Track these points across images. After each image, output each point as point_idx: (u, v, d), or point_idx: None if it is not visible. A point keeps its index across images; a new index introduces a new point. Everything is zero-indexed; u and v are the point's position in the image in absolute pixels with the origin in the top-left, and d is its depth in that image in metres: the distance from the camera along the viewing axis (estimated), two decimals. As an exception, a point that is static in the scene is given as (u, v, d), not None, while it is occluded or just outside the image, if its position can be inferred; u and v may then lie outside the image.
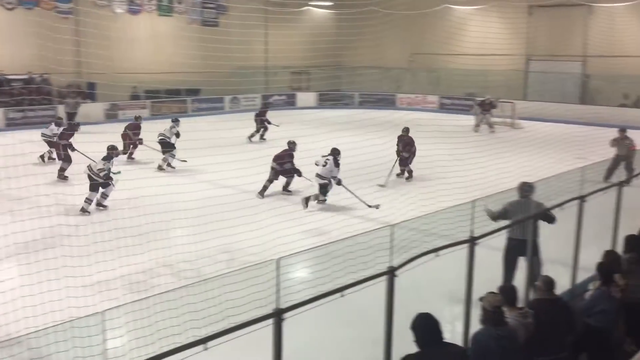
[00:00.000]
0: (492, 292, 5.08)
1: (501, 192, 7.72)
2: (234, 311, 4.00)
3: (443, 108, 30.31)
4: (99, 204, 12.12)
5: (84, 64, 24.80)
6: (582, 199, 7.33)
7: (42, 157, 16.49)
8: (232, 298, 4.16)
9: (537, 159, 13.57)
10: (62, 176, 14.55)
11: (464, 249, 5.80)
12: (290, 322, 4.01)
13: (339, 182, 12.34)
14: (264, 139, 20.66)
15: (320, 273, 4.80)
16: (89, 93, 25.79)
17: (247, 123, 20.09)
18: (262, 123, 20.90)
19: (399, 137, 15.10)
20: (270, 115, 21.43)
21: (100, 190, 12.08)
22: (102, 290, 7.27)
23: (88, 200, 11.84)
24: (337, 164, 12.38)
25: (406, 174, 14.95)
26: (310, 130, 19.59)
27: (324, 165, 12.36)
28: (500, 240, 7.31)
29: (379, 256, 5.23)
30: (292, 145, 13.61)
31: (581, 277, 7.53)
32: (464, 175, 11.62)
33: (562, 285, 7.22)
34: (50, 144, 16.43)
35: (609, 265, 6.42)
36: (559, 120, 22.43)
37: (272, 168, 13.22)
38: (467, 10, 30.54)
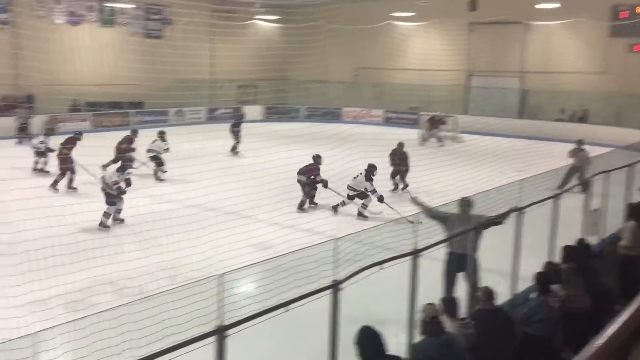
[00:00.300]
0: (429, 303, 5.16)
1: (444, 205, 7.85)
2: (176, 329, 3.91)
3: (388, 122, 30.75)
4: (115, 219, 11.86)
5: (21, 76, 23.99)
6: (520, 210, 7.55)
7: (35, 169, 16.42)
8: (174, 316, 4.06)
9: (478, 172, 13.87)
10: (71, 187, 14.65)
11: (407, 262, 5.87)
12: (235, 339, 3.95)
13: (380, 199, 12.69)
14: (238, 152, 20.72)
15: (265, 288, 4.76)
16: (27, 106, 24.98)
17: (194, 136, 19.79)
18: (237, 134, 20.95)
19: (393, 151, 15.34)
20: (217, 128, 21.23)
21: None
22: (36, 311, 6.99)
23: (106, 214, 11.60)
24: (368, 179, 12.78)
25: (401, 186, 15.13)
26: (259, 144, 19.57)
27: (355, 178, 12.87)
28: (443, 252, 7.42)
29: (324, 270, 5.23)
30: (318, 159, 13.95)
31: (521, 287, 7.72)
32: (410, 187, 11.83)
33: (503, 295, 7.40)
34: (39, 154, 16.41)
35: (546, 275, 6.61)
36: (499, 134, 23.08)
37: (299, 181, 13.55)
38: (409, 27, 31.18)
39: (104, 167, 14.86)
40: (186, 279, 7.81)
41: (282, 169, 13.15)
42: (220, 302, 3.79)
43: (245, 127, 21.84)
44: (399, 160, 15.07)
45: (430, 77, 28.73)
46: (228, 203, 11.92)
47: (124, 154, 15.56)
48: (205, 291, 4.17)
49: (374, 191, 12.68)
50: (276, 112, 32.34)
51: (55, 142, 15.85)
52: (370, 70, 32.43)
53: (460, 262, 7.29)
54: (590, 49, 27.12)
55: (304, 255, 5.51)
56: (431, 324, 4.88)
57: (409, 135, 23.31)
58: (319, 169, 13.75)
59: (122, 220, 11.99)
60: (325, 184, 13.56)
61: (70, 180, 14.69)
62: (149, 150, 16.21)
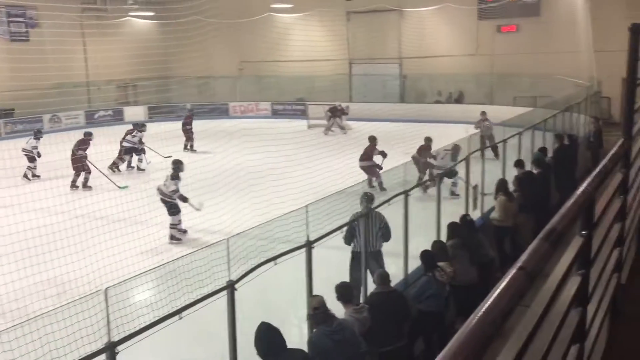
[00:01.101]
0: (313, 295, 5.25)
1: (332, 195, 7.95)
2: (62, 351, 3.71)
3: (275, 114, 30.77)
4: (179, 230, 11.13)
5: None
6: (406, 193, 7.82)
7: (25, 175, 15.84)
8: (59, 337, 3.85)
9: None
10: (86, 186, 15.13)
11: (302, 254, 5.92)
12: (130, 352, 3.80)
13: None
14: (195, 150, 20.27)
15: (158, 297, 4.62)
16: None
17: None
18: (190, 132, 20.75)
19: (421, 148, 14.49)
20: (98, 132, 20.26)
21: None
22: None
23: (173, 226, 10.90)
24: (453, 159, 12.33)
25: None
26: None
27: (442, 158, 12.70)
28: (336, 240, 7.52)
29: (219, 271, 5.16)
30: (374, 139, 14.25)
31: (412, 266, 8.01)
32: (299, 179, 11.89)
33: (397, 276, 7.66)
34: (30, 159, 16.08)
35: (430, 252, 6.90)
36: (383, 120, 23.78)
37: (361, 167, 13.47)
38: (289, 18, 31.31)
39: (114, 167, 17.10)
40: (77, 294, 7.44)
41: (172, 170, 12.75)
42: (107, 318, 3.61)
43: (125, 129, 21.01)
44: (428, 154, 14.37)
45: (314, 67, 29.04)
46: (119, 210, 11.48)
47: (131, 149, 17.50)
48: (94, 306, 3.99)
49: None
50: (160, 112, 31.37)
51: None
52: (255, 63, 32.27)
53: (368, 260, 7.36)
54: (461, 33, 28.52)
55: (197, 258, 5.41)
56: (315, 315, 4.96)
57: (298, 127, 23.56)
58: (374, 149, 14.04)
59: (185, 232, 11.25)
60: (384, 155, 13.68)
61: (86, 180, 15.32)
62: (23, 150, 16.30)
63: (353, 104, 27.86)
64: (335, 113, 24.98)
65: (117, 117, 30.27)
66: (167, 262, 5.26)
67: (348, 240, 7.42)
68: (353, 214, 7.49)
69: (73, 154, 15.49)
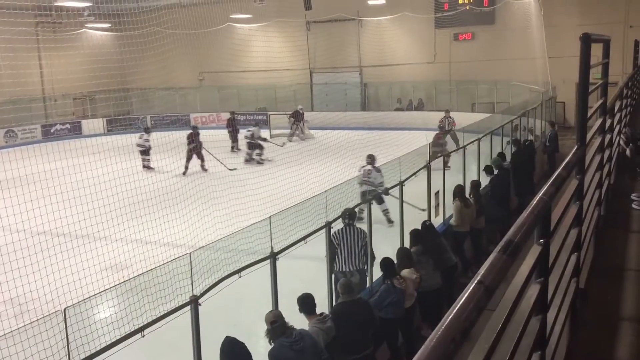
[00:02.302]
0: (269, 311, 5.23)
1: (297, 205, 7.92)
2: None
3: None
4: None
5: None
6: (369, 202, 7.86)
7: None
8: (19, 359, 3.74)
9: (329, 166, 14.29)
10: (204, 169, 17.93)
11: (267, 265, 5.88)
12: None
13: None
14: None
15: (119, 314, 4.53)
16: None
17: (28, 158, 18.31)
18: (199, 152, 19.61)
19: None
20: (54, 147, 19.79)
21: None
22: None
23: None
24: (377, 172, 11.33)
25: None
26: (98, 156, 18.48)
27: (368, 174, 11.47)
28: (301, 250, 7.48)
29: (183, 285, 5.08)
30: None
31: (378, 274, 8.02)
32: (263, 189, 11.85)
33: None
34: None
35: (388, 260, 6.92)
36: (344, 128, 23.92)
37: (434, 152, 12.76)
38: (249, 28, 31.28)
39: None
40: (38, 314, 7.23)
41: (136, 184, 12.53)
42: (66, 339, 3.52)
43: (83, 142, 20.66)
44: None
45: (275, 77, 29.07)
46: (80, 226, 11.21)
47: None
48: (52, 327, 3.88)
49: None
50: (119, 124, 30.89)
51: None
52: (216, 74, 32.12)
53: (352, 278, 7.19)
54: (419, 41, 28.93)
55: (160, 274, 5.31)
56: (274, 329, 4.93)
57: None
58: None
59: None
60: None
61: (202, 166, 18.28)
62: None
63: (315, 113, 27.96)
64: (298, 117, 25.09)
65: (74, 131, 29.72)
66: (129, 279, 5.16)
67: (330, 262, 7.16)
68: (334, 231, 7.31)
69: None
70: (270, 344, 4.96)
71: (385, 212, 11.06)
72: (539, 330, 1.90)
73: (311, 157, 16.59)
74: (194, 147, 18.73)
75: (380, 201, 10.56)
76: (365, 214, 8.28)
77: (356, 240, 7.42)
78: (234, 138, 22.26)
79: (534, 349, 1.85)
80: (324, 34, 29.73)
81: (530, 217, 1.66)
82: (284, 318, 4.99)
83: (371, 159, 11.96)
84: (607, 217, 4.62)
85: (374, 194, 9.78)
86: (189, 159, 18.50)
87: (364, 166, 11.84)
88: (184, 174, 17.70)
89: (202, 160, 18.67)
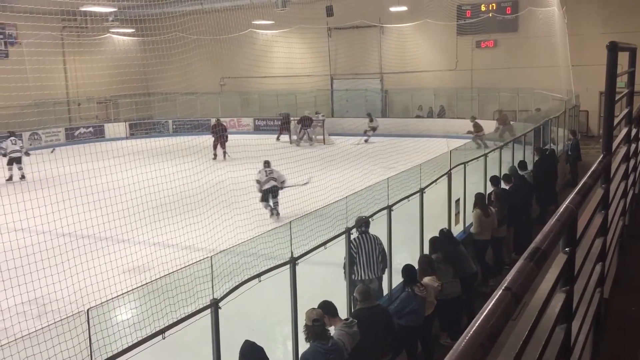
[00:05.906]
0: (311, 308, 5.22)
1: (317, 210, 7.93)
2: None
3: (258, 129, 30.82)
4: None
5: None
6: (389, 208, 7.84)
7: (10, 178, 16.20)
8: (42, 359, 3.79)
9: (348, 173, 14.29)
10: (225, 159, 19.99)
11: (286, 270, 5.89)
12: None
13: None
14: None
15: (141, 316, 4.57)
16: None
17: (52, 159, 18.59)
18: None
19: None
20: (78, 151, 20.04)
21: None
22: None
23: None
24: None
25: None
26: (120, 160, 18.65)
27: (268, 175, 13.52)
28: (321, 256, 7.48)
29: (203, 289, 5.11)
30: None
31: (397, 281, 7.99)
32: (282, 193, 11.89)
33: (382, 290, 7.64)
34: (10, 161, 16.67)
35: (410, 268, 6.89)
36: (359, 134, 23.91)
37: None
38: (271, 34, 31.44)
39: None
40: (61, 315, 7.32)
41: (158, 187, 12.65)
42: (89, 339, 3.56)
43: (106, 145, 20.80)
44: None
45: (296, 83, 29.18)
46: (103, 229, 11.34)
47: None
48: (75, 327, 3.93)
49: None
50: (141, 128, 31.21)
51: None
52: (237, 79, 32.33)
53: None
54: (441, 48, 28.84)
55: (181, 277, 5.35)
56: (313, 327, 4.93)
57: (281, 142, 23.63)
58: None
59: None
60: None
61: (224, 153, 21.22)
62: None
63: (336, 119, 28.00)
64: (306, 122, 25.15)
65: (98, 135, 30.10)
66: (150, 281, 5.21)
67: (349, 269, 7.08)
68: (352, 240, 7.26)
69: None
70: (306, 342, 4.96)
71: (276, 204, 13.02)
72: (564, 339, 1.89)
73: (330, 164, 16.62)
74: (218, 138, 22.19)
75: (276, 195, 12.97)
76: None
77: (374, 247, 7.40)
78: (222, 144, 22.28)
79: (559, 358, 1.84)
80: (345, 41, 29.78)
81: (557, 225, 1.65)
82: (325, 321, 5.00)
83: (267, 164, 13.83)
84: (631, 227, 4.56)
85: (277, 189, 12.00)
86: (215, 146, 22.13)
87: (261, 170, 13.70)
88: (213, 158, 21.07)
89: (225, 149, 22.01)
